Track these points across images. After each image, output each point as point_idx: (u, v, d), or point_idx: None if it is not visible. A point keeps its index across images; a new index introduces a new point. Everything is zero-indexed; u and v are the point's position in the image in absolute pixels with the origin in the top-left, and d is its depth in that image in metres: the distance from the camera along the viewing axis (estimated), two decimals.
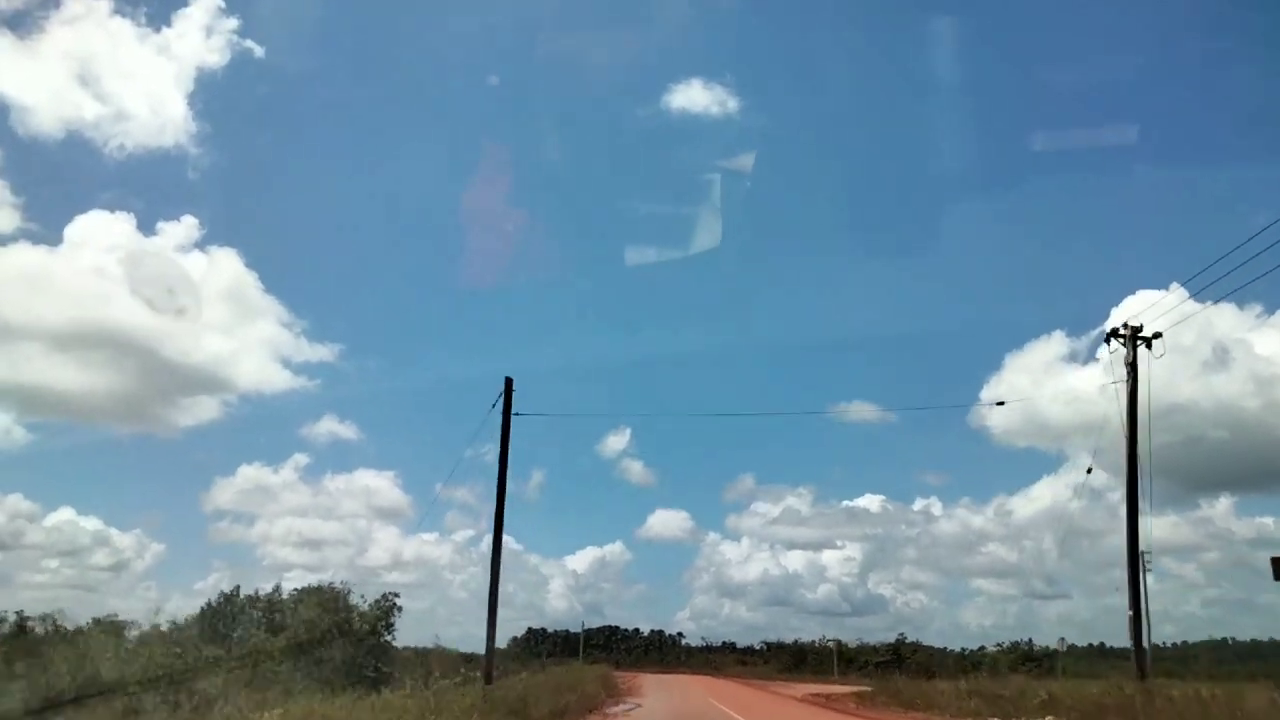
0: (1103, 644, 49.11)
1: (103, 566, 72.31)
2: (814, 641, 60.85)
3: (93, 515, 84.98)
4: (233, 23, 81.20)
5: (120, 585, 72.12)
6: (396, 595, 29.86)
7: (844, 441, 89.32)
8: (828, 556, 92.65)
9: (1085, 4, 74.29)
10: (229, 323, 78.83)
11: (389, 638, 29.30)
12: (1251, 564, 67.73)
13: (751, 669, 57.88)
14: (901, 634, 53.75)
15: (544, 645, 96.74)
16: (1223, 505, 76.25)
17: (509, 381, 22.59)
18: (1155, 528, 74.49)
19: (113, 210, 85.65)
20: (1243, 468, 63.09)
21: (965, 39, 77.13)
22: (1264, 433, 57.90)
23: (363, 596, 28.99)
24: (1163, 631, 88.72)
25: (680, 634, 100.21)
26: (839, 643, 37.25)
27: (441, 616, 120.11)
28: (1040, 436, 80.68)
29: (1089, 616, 75.56)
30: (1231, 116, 74.33)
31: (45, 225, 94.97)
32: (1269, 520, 72.88)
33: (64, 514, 72.44)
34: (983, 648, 50.63)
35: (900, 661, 40.86)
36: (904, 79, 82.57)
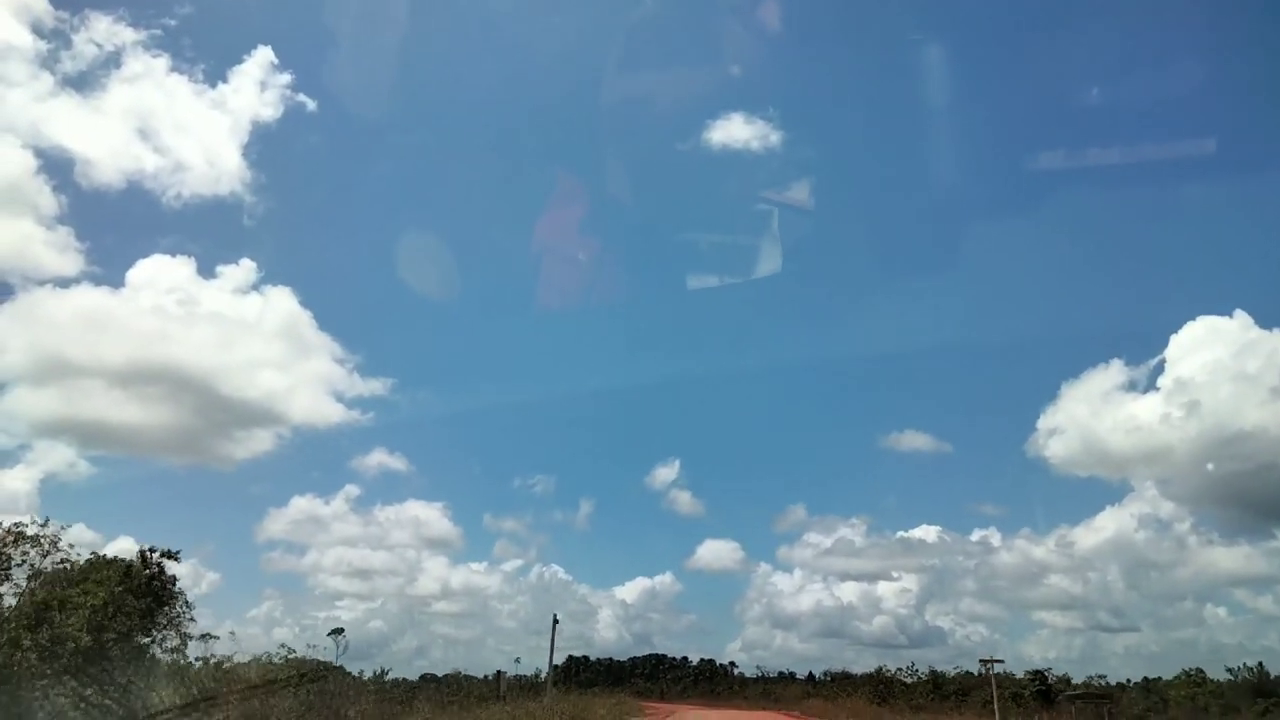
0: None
1: None
2: (889, 669, 53.55)
3: (148, 545, 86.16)
4: (286, 78, 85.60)
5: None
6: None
7: (898, 471, 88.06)
8: (883, 588, 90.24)
9: (1138, 17, 70.51)
10: (283, 359, 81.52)
11: None
12: None
13: (830, 701, 50.77)
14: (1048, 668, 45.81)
15: (586, 674, 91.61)
16: None
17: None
18: (1227, 559, 65.30)
19: (173, 254, 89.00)
20: None
21: (1006, 58, 74.22)
22: None
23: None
24: (1233, 663, 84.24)
25: (732, 663, 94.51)
26: (990, 666, 30.05)
27: (490, 646, 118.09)
28: (1101, 466, 78.29)
29: (1158, 650, 73.87)
30: None
31: (107, 268, 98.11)
32: None
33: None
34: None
35: (1049, 693, 33.91)
36: (940, 106, 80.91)
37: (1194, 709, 29.92)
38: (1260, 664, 31.74)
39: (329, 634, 59.38)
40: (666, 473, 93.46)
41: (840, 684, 61.82)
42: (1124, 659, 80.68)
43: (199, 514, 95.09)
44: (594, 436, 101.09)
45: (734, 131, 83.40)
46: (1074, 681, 39.81)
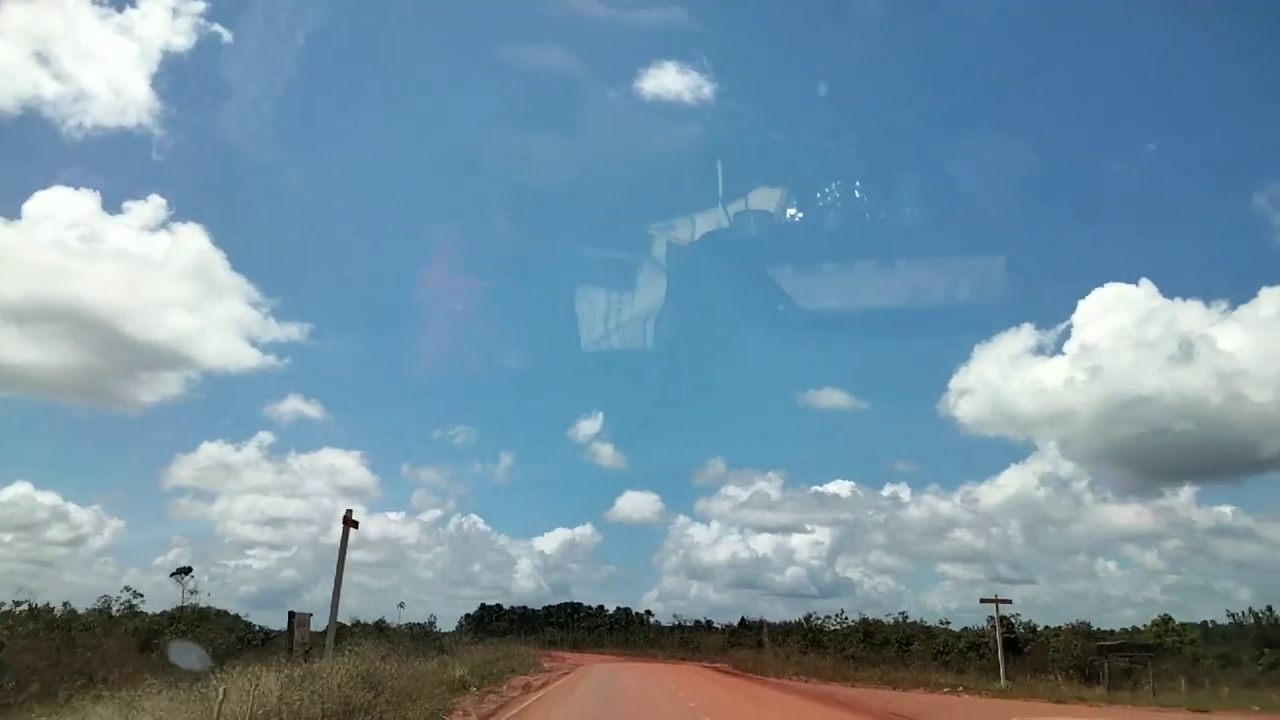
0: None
1: (60, 542, 71.78)
2: (818, 616, 51.64)
3: (50, 490, 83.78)
4: (199, 5, 76.50)
5: (78, 560, 71.83)
6: None
7: (816, 428, 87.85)
8: (796, 540, 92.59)
9: None
10: (193, 300, 76.17)
11: None
12: (1210, 551, 67.95)
13: (757, 651, 48.56)
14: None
15: (499, 622, 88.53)
16: (1185, 494, 76.41)
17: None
18: (1119, 516, 75.57)
19: (75, 188, 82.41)
20: (1205, 458, 64.04)
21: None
22: (1225, 425, 58.16)
23: None
24: (1121, 616, 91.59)
25: (649, 612, 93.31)
26: (997, 607, 26.88)
27: (406, 595, 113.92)
28: (1008, 426, 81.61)
29: (1051, 601, 78.15)
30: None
31: (1, 199, 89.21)
32: (1228, 509, 76.48)
33: (20, 489, 71.47)
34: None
35: (1015, 643, 31.89)
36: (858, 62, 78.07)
37: (1185, 660, 28.25)
38: (1269, 608, 30.19)
39: (172, 574, 55.99)
40: (589, 425, 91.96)
41: (760, 632, 60.08)
42: (1020, 609, 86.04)
43: (102, 459, 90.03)
44: (517, 389, 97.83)
45: (665, 81, 80.00)
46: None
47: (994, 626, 28.28)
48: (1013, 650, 31.50)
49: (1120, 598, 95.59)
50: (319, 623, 22.50)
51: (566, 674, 35.64)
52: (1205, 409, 58.87)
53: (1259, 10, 67.20)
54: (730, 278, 77.15)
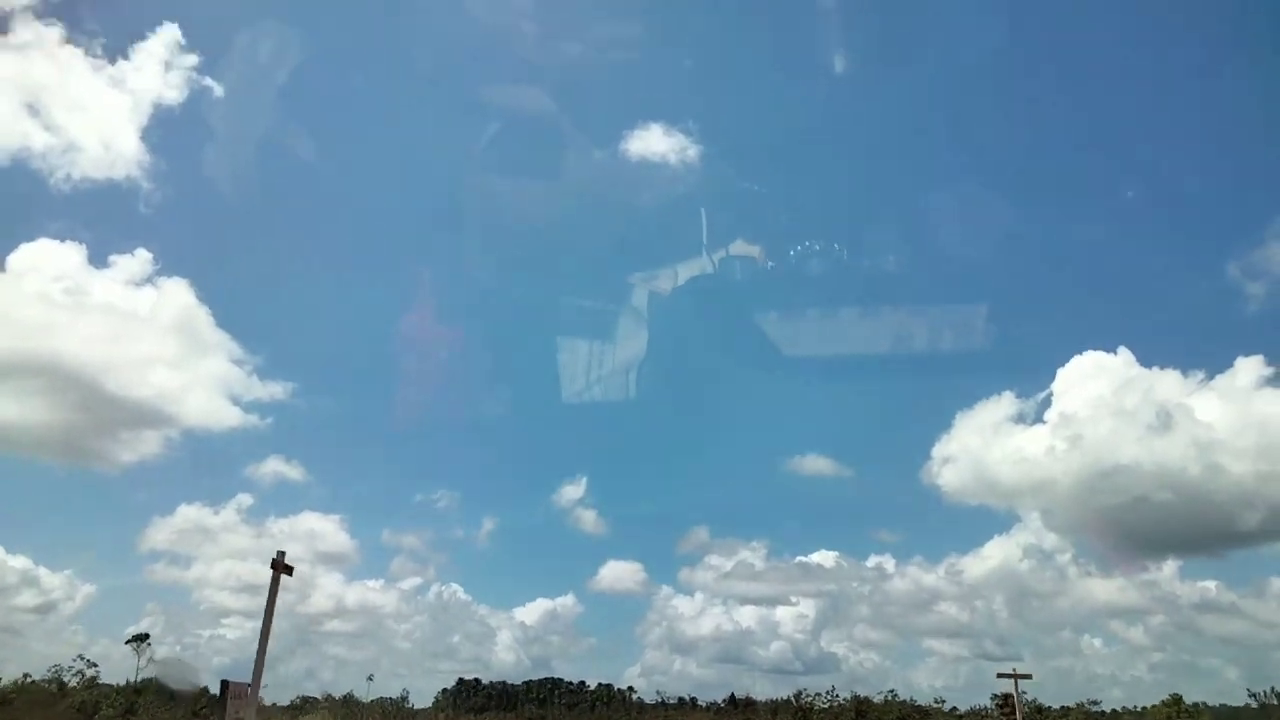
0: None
1: (29, 608, 69.73)
2: (808, 694, 49.76)
3: (21, 554, 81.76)
4: (192, 59, 78.38)
5: (47, 628, 69.76)
6: None
7: (800, 495, 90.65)
8: (781, 613, 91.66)
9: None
10: (177, 357, 77.77)
11: None
12: (1195, 627, 69.26)
13: None
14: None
15: (476, 699, 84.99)
16: (1168, 568, 76.56)
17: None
18: (1103, 590, 75.01)
19: (61, 240, 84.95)
20: (1186, 530, 65.06)
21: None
22: (1204, 496, 58.30)
23: None
24: (1111, 696, 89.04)
25: (630, 688, 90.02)
26: (1016, 681, 25.68)
27: (384, 667, 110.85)
28: (991, 495, 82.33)
29: (1040, 678, 76.34)
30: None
31: None
32: (1211, 584, 76.34)
33: None
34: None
35: None
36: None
37: None
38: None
39: (128, 641, 53.14)
40: (573, 490, 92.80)
41: (747, 711, 57.72)
42: (1006, 686, 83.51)
43: (77, 521, 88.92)
44: (501, 452, 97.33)
45: (651, 140, 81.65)
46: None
47: (1004, 705, 26.99)
48: None
49: (1108, 676, 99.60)
50: (277, 694, 20.89)
51: None
52: (1184, 479, 59.12)
53: (1235, 91, 69.82)
54: (714, 325, 77.39)
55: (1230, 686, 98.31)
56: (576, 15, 78.35)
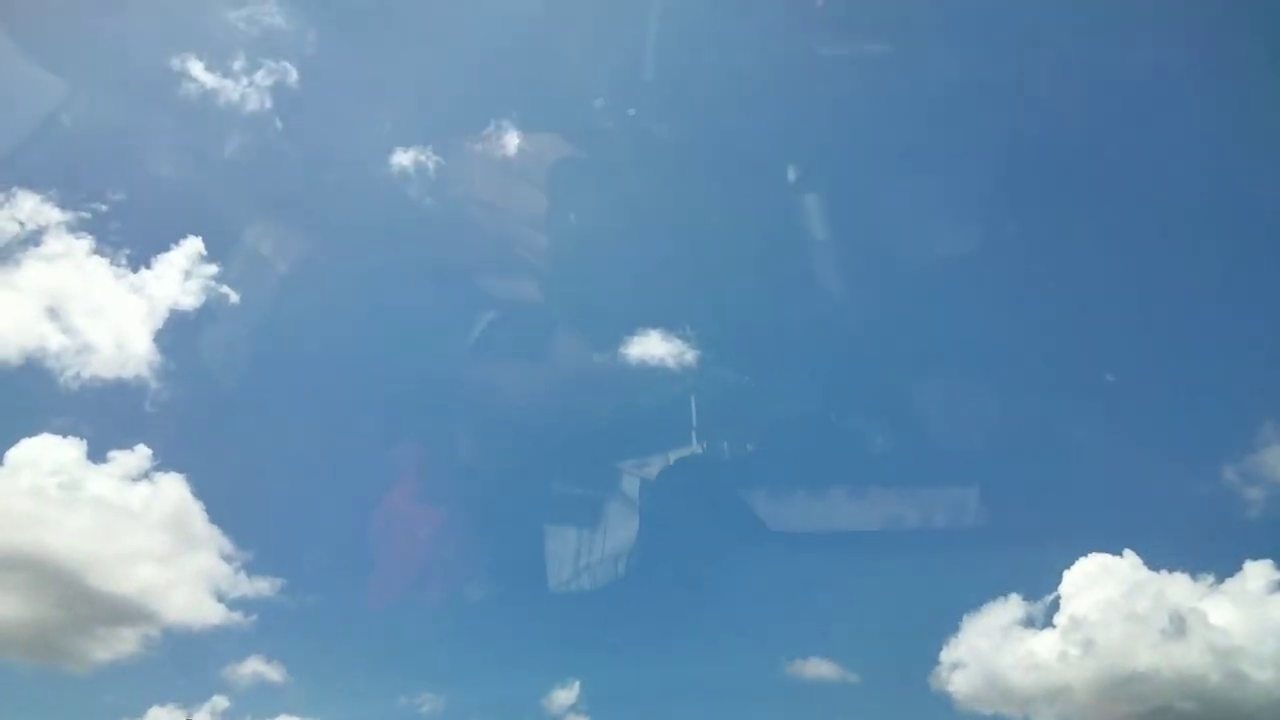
0: None
1: None
2: None
3: None
4: (212, 269, 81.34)
5: None
6: None
7: (805, 701, 78.57)
8: None
9: None
10: (166, 552, 70.52)
11: None
12: None
13: None
14: None
15: None
16: None
17: None
18: None
19: (64, 435, 79.80)
20: None
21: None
22: (1228, 705, 52.89)
23: None
24: None
25: None
26: None
27: None
28: (1004, 702, 74.38)
29: None
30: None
31: None
32: None
33: None
34: None
35: None
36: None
37: None
38: None
39: None
40: (565, 696, 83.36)
41: None
42: None
43: None
44: (487, 650, 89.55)
45: (652, 349, 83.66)
46: None
47: None
48: None
49: None
50: None
51: None
52: (1206, 687, 54.61)
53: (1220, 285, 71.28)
54: (701, 505, 74.19)
55: None
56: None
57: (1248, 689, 51.31)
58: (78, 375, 75.42)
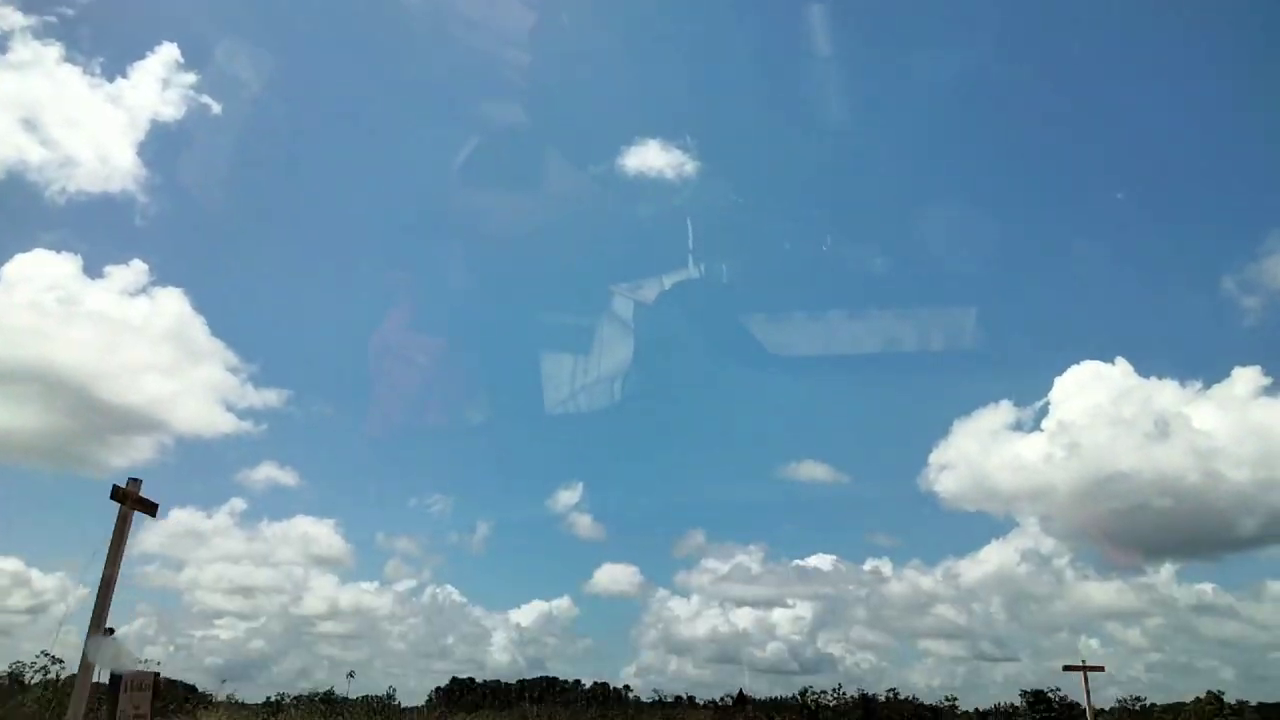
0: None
1: (21, 609, 69.88)
2: (815, 691, 47.87)
3: (13, 555, 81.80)
4: (190, 78, 77.75)
5: (38, 629, 69.58)
6: None
7: (797, 500, 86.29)
8: (777, 615, 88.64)
9: None
10: (171, 364, 74.71)
11: None
12: (1192, 629, 68.32)
13: None
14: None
15: (470, 697, 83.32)
16: (1166, 572, 75.14)
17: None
18: (1100, 593, 66.67)
19: (57, 251, 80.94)
20: (1184, 535, 64.31)
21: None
22: (1202, 503, 58.10)
23: None
24: (1105, 694, 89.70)
25: (627, 687, 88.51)
26: (1085, 674, 22.72)
27: (378, 668, 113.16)
28: (989, 501, 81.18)
29: (1035, 679, 75.32)
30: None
31: None
32: (1208, 587, 75.79)
33: None
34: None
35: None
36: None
37: None
38: None
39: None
40: (568, 495, 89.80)
41: (751, 710, 55.93)
42: (1003, 687, 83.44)
43: (68, 525, 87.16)
44: (492, 459, 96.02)
45: (650, 159, 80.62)
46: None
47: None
48: None
49: (1105, 676, 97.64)
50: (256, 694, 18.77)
51: None
52: (1183, 485, 58.88)
53: (1228, 97, 68.79)
54: (701, 331, 75.64)
55: (1225, 686, 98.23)
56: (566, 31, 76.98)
57: (1222, 487, 54.74)
58: (63, 190, 72.48)
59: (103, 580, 12.95)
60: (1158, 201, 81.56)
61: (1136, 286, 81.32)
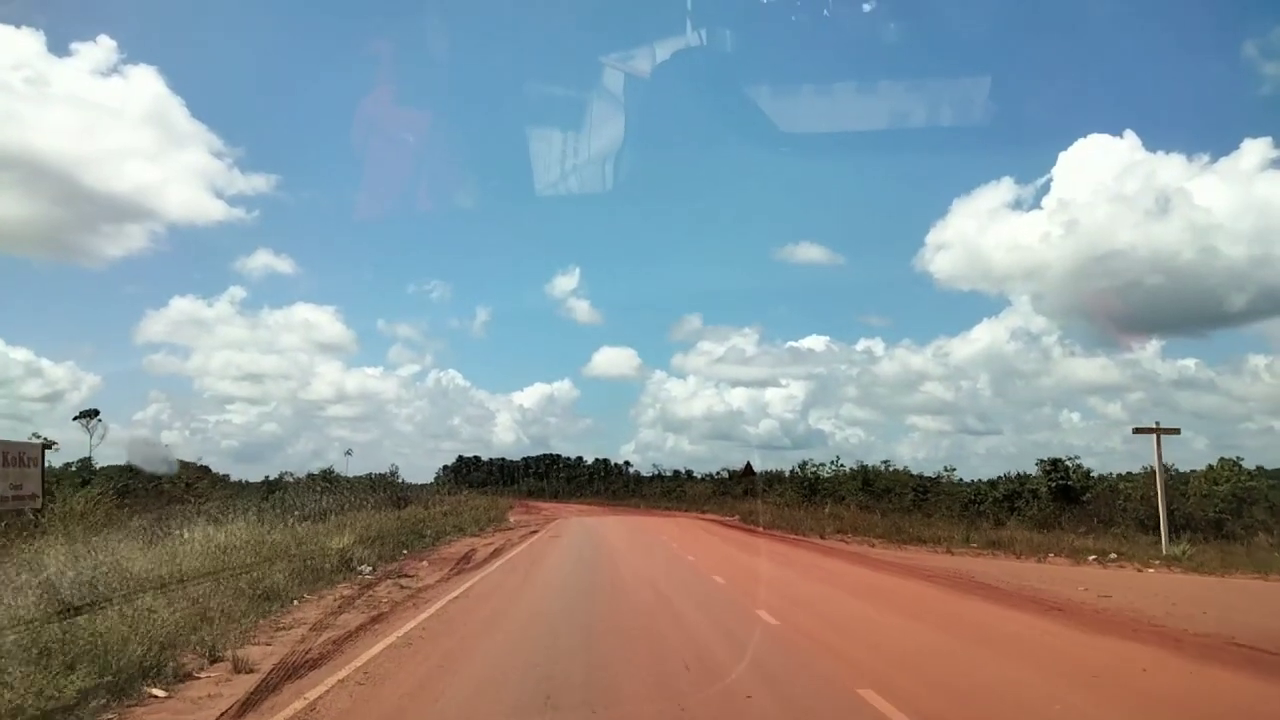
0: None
1: (36, 397, 70.47)
2: (814, 463, 48.40)
3: (22, 346, 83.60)
4: None
5: (56, 416, 70.73)
6: None
7: (792, 282, 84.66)
8: (771, 394, 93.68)
9: None
10: (152, 149, 71.15)
11: None
12: (1171, 402, 71.42)
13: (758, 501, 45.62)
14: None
15: (476, 474, 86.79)
16: (1151, 348, 76.70)
17: None
18: (1085, 369, 75.24)
19: (16, 25, 70.72)
20: (1173, 312, 64.25)
21: None
22: (1195, 279, 58.44)
23: None
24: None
25: (627, 463, 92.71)
26: (1158, 436, 19.76)
27: (388, 449, 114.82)
28: (983, 280, 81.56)
29: (1015, 451, 77.63)
30: None
31: None
32: (1191, 362, 78.50)
33: None
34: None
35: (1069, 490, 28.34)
36: None
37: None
38: None
39: (76, 418, 51.64)
40: (566, 281, 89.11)
41: (749, 477, 57.47)
42: (984, 459, 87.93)
43: (69, 314, 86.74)
44: (487, 244, 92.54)
45: None
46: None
47: (1053, 470, 24.32)
48: (1066, 499, 28.05)
49: (1082, 446, 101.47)
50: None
51: (533, 533, 28.62)
52: (1177, 263, 58.13)
53: None
54: (699, 102, 69.94)
55: (1198, 455, 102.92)
56: None
57: (1216, 264, 52.40)
58: None
59: None
60: None
61: (1154, 50, 74.15)
